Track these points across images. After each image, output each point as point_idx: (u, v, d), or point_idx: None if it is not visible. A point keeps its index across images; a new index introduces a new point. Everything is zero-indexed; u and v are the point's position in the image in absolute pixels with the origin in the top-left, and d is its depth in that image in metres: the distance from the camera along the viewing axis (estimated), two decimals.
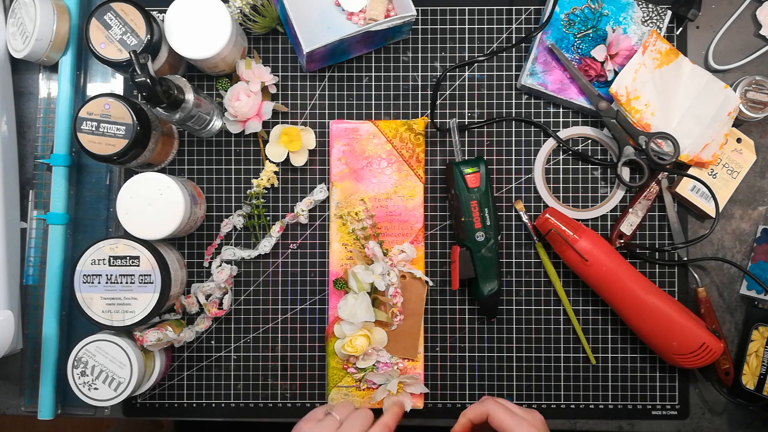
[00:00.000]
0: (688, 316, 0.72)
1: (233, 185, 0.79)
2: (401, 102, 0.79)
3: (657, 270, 0.78)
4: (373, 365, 0.74)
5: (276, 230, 0.77)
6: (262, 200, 0.78)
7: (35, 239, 0.78)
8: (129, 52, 0.63)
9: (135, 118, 0.67)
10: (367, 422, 0.64)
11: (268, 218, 0.78)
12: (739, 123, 0.78)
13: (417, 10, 0.72)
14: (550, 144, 0.78)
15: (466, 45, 0.79)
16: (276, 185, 0.78)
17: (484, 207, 0.72)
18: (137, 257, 0.69)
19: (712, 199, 0.74)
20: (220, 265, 0.77)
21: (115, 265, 0.69)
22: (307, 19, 0.76)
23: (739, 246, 0.79)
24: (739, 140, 0.77)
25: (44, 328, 0.75)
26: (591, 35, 0.76)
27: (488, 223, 0.73)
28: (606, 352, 0.78)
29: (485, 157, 0.78)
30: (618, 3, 0.76)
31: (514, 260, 0.78)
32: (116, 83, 0.79)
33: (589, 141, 0.79)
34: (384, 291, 0.74)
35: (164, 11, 0.70)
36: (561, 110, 0.79)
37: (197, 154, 0.79)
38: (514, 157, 0.79)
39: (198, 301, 0.76)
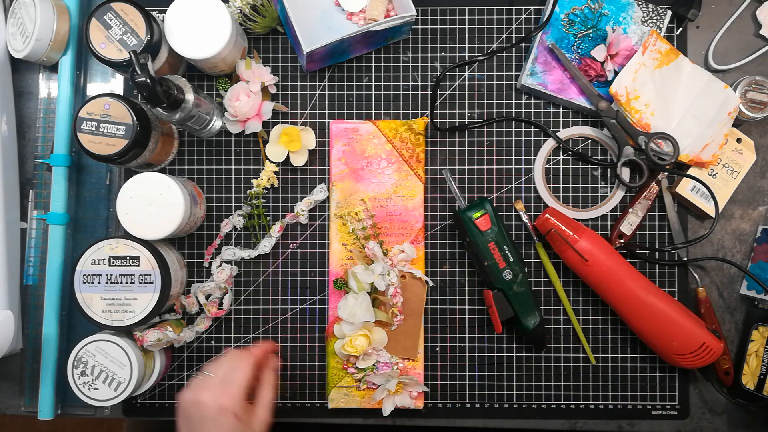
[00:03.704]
0: (688, 316, 0.72)
1: (233, 185, 0.79)
2: (401, 102, 0.79)
3: (657, 270, 0.78)
4: (373, 365, 0.74)
5: (276, 230, 0.77)
6: (262, 200, 0.78)
7: (35, 239, 0.78)
8: (129, 52, 0.63)
9: (135, 118, 0.67)
10: (241, 367, 0.65)
11: (268, 218, 0.78)
12: (739, 123, 0.78)
13: (417, 10, 0.72)
14: (550, 144, 0.78)
15: (466, 45, 0.79)
16: (276, 185, 0.78)
17: (503, 245, 0.72)
18: (137, 257, 0.69)
19: (712, 199, 0.74)
20: (220, 265, 0.77)
21: (115, 265, 0.69)
22: (307, 19, 0.76)
23: (739, 246, 0.79)
24: (739, 140, 0.77)
25: (44, 328, 0.75)
26: (591, 35, 0.76)
27: (511, 260, 0.72)
28: (606, 352, 0.78)
29: (485, 162, 0.78)
30: (618, 3, 0.76)
31: None
32: (116, 83, 0.79)
33: (589, 141, 0.79)
34: (384, 291, 0.74)
35: (164, 11, 0.70)
36: (561, 110, 0.79)
37: (197, 154, 0.79)
38: (514, 157, 0.78)
39: (198, 301, 0.76)
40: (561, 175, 0.78)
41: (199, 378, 0.65)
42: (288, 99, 0.79)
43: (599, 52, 0.76)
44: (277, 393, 0.78)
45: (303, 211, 0.76)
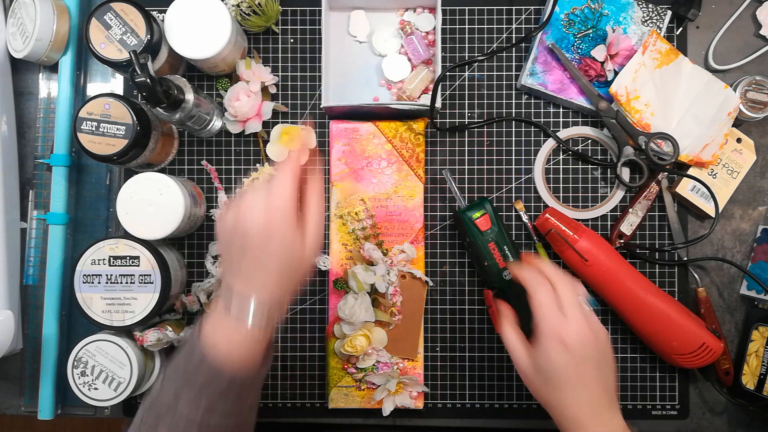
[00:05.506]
0: (688, 316, 0.72)
1: (233, 185, 0.79)
2: None
3: (657, 270, 0.78)
4: (373, 365, 0.74)
5: None
6: None
7: (35, 239, 0.78)
8: (129, 52, 0.63)
9: (135, 118, 0.67)
10: (284, 178, 0.52)
11: None
12: (739, 123, 0.78)
13: None
14: (550, 144, 0.78)
15: (466, 45, 0.79)
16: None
17: (503, 245, 0.71)
18: (137, 257, 0.69)
19: (712, 199, 0.74)
20: (216, 260, 0.77)
21: (115, 265, 0.69)
22: (344, 70, 0.78)
23: (739, 246, 0.79)
24: (739, 140, 0.77)
25: (44, 328, 0.75)
26: (591, 35, 0.76)
27: (511, 260, 0.72)
28: None
29: (485, 162, 0.78)
30: (618, 3, 0.76)
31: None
32: (116, 83, 0.79)
33: (589, 141, 0.79)
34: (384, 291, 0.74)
35: (164, 11, 0.70)
36: (561, 110, 0.79)
37: (197, 154, 0.79)
38: (514, 157, 0.78)
39: (199, 300, 0.76)
40: (561, 175, 0.78)
41: (236, 198, 0.53)
42: (288, 99, 0.79)
43: (599, 52, 0.76)
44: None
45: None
